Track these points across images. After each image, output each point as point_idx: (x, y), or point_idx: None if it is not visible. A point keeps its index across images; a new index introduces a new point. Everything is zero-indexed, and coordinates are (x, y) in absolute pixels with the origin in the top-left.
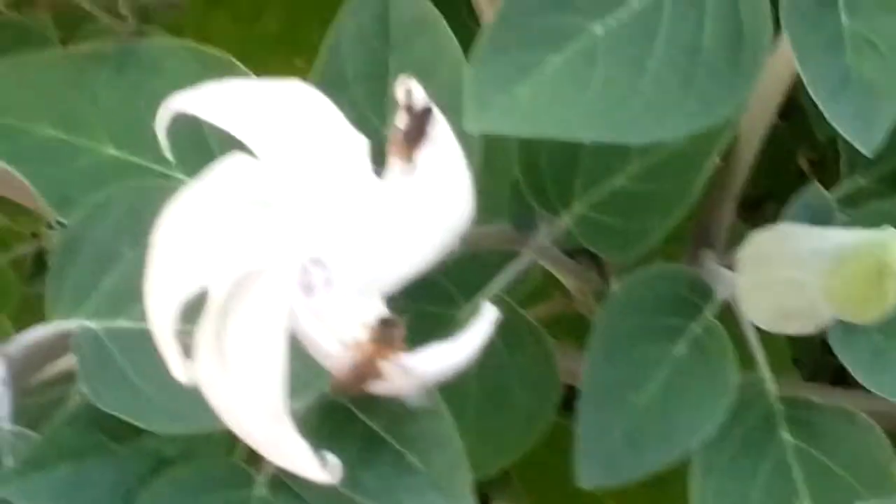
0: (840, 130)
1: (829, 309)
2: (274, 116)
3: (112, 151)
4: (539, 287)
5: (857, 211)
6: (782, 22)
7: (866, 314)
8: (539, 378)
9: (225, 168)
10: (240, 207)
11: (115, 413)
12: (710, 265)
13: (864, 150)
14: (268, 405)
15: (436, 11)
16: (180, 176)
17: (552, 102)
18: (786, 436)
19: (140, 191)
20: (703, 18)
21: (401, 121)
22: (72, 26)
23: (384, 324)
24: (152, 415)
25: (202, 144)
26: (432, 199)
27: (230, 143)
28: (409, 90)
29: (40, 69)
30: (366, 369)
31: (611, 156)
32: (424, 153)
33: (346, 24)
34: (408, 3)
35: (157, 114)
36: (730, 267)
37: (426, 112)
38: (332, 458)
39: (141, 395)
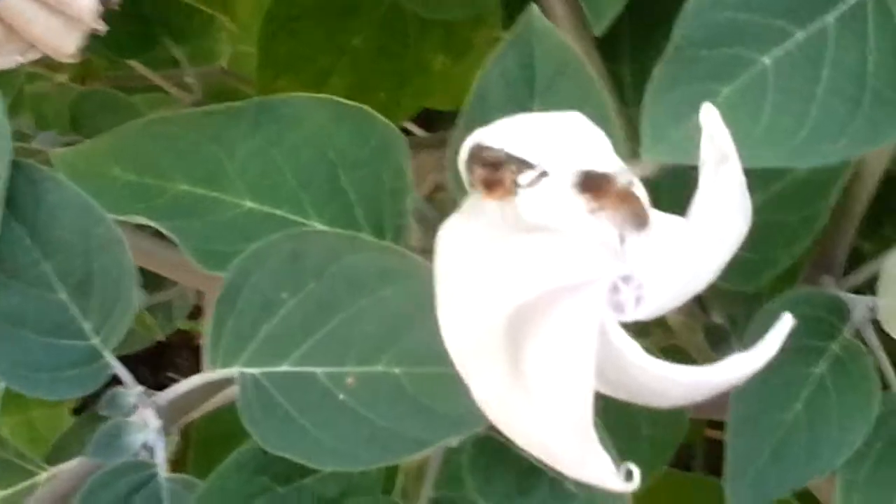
0: None
1: None
2: (562, 142)
3: (250, 204)
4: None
5: None
6: None
7: None
8: (667, 413)
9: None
10: (534, 230)
11: (284, 454)
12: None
13: None
14: (576, 421)
15: (579, 54)
16: (318, 225)
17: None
18: None
19: (297, 238)
20: (866, 47)
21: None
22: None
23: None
24: (320, 454)
25: (339, 193)
26: (723, 222)
27: (364, 187)
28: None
29: (175, 127)
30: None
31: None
32: (715, 184)
33: (492, 71)
34: (553, 48)
35: (292, 165)
36: (850, 291)
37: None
38: (632, 467)
39: (307, 436)
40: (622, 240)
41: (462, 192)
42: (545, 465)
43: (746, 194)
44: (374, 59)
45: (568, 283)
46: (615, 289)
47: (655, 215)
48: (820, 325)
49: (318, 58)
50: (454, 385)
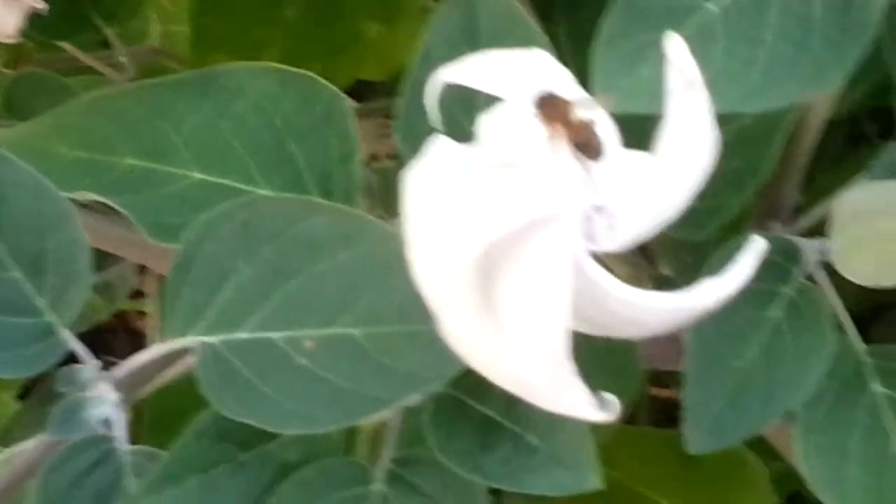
0: None
1: None
2: (529, 76)
3: (199, 175)
4: None
5: None
6: None
7: None
8: (619, 365)
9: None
10: (498, 165)
11: (246, 420)
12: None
13: None
14: (553, 354)
15: (522, 11)
16: (268, 192)
17: None
18: (877, 387)
19: (250, 205)
20: None
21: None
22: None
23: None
24: (281, 419)
25: (288, 160)
26: (692, 147)
27: (312, 153)
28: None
29: (120, 102)
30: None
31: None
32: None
33: (436, 32)
34: (496, 5)
35: (239, 134)
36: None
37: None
38: (609, 397)
39: (268, 401)
40: (586, 169)
41: (412, 152)
42: (507, 421)
43: (713, 121)
44: (308, 29)
45: (539, 216)
46: (588, 219)
47: (621, 149)
48: (772, 270)
49: (251, 31)
50: (414, 343)
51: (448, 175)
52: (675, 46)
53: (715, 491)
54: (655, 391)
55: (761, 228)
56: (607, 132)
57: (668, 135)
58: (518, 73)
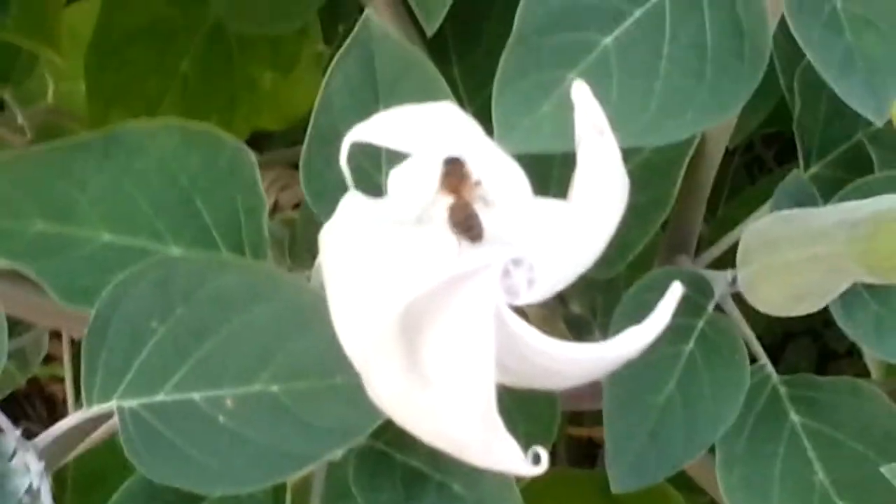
0: (852, 105)
1: (858, 274)
2: (438, 133)
3: (108, 236)
4: None
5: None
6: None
7: None
8: (539, 409)
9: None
10: (414, 221)
11: (170, 483)
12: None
13: (876, 121)
14: (480, 409)
15: (419, 52)
16: (177, 250)
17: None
18: (794, 416)
19: (162, 265)
20: (703, 18)
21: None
22: None
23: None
24: (206, 480)
25: (195, 216)
26: (605, 195)
27: (219, 208)
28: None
29: (23, 166)
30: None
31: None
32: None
33: (334, 79)
34: (391, 49)
35: (145, 193)
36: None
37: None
38: (539, 450)
39: (192, 463)
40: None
41: (319, 202)
42: (431, 471)
43: (622, 167)
44: (203, 81)
45: (459, 273)
46: (507, 273)
47: (534, 199)
48: (684, 304)
49: (146, 85)
50: (334, 397)
51: (365, 232)
52: (580, 92)
53: None
54: (573, 430)
55: (669, 262)
56: (517, 182)
57: (581, 181)
58: (426, 128)
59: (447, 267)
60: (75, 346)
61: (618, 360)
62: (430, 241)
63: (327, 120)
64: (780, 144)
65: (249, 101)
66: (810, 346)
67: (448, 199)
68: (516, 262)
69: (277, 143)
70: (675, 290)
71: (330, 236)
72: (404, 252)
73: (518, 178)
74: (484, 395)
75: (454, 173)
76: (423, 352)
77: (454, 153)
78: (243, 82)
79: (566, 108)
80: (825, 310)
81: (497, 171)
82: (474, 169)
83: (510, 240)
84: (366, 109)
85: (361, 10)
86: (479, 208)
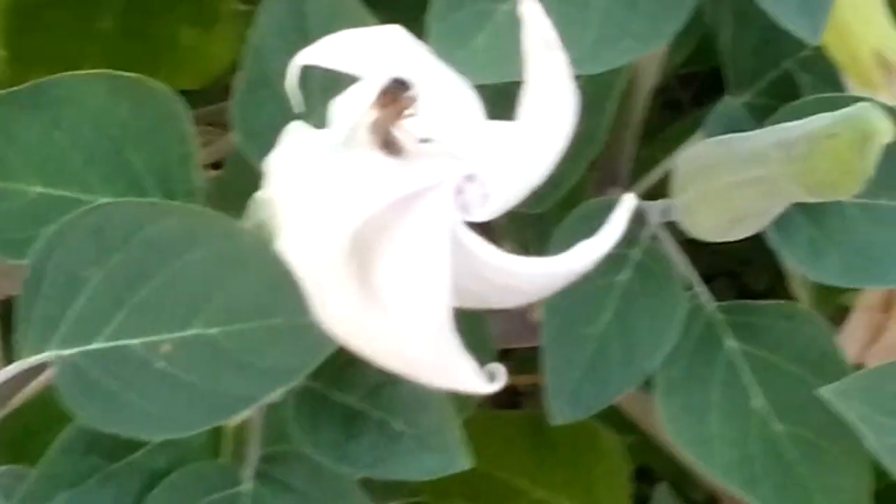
0: (787, 26)
1: (795, 194)
2: (385, 54)
3: (39, 189)
4: None
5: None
6: None
7: (846, 187)
8: (473, 346)
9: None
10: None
11: (111, 430)
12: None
13: (810, 39)
14: (437, 328)
15: None
16: (109, 200)
17: (508, 48)
18: (730, 342)
19: (97, 212)
20: None
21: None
22: None
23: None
24: (146, 426)
25: (126, 166)
26: (555, 109)
27: (150, 157)
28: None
29: None
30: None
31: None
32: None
33: (264, 22)
34: None
35: (75, 144)
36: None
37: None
38: (497, 367)
39: (131, 409)
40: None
41: (252, 145)
42: (370, 408)
43: (572, 81)
44: (124, 40)
45: (412, 190)
46: (460, 190)
47: (485, 120)
48: None
49: (67, 46)
50: (272, 338)
51: (310, 158)
52: (530, 9)
53: (570, 466)
54: None
55: (600, 195)
56: (467, 101)
57: (531, 98)
58: (373, 50)
59: (400, 185)
60: (3, 306)
61: (572, 272)
62: (383, 161)
63: (257, 64)
64: (697, 85)
65: (171, 58)
66: (729, 285)
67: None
68: (469, 178)
69: (193, 101)
70: (628, 202)
71: (277, 165)
72: (356, 174)
73: (467, 97)
74: (440, 314)
75: (390, 93)
76: (377, 273)
77: (396, 74)
78: (165, 40)
79: (500, 39)
80: (741, 249)
81: (445, 91)
82: (419, 88)
83: (462, 157)
84: (296, 52)
85: None
86: (412, 124)
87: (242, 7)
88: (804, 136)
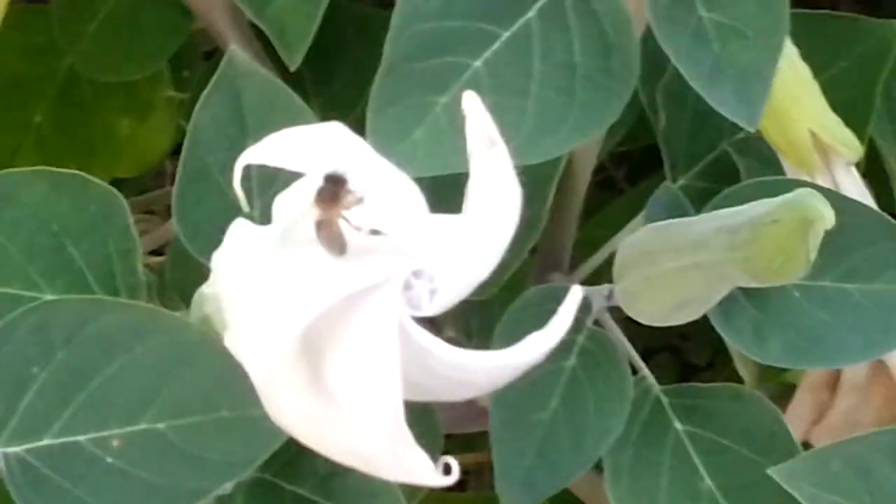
0: (725, 113)
1: (740, 279)
2: (327, 151)
3: None
4: None
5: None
6: (650, 23)
7: (790, 272)
8: (422, 435)
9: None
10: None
11: None
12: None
13: (748, 126)
14: (389, 423)
15: (285, 87)
16: (52, 297)
17: (448, 141)
18: (677, 425)
19: (40, 310)
20: (570, 36)
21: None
22: None
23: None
24: None
25: (68, 262)
26: (500, 203)
27: (92, 253)
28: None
29: None
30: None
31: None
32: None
33: (202, 116)
34: (258, 84)
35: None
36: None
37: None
38: (451, 461)
39: None
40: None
41: (193, 239)
42: (320, 498)
43: (515, 176)
44: (59, 132)
45: (360, 287)
46: (408, 286)
47: (430, 215)
48: None
49: (0, 139)
50: (221, 431)
51: (257, 255)
52: (471, 105)
53: None
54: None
55: (542, 282)
56: (410, 196)
57: (476, 194)
58: (315, 147)
59: (347, 282)
60: None
61: (523, 365)
62: (331, 259)
63: (196, 157)
64: (630, 163)
65: (107, 149)
66: (671, 361)
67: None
68: (417, 275)
69: (129, 189)
70: (576, 294)
71: (223, 262)
72: (304, 271)
73: (410, 192)
74: (391, 409)
75: (328, 189)
76: (328, 370)
77: (334, 169)
78: (100, 131)
79: (440, 132)
80: (681, 325)
81: (388, 185)
82: (360, 185)
83: (409, 252)
84: (235, 145)
85: (205, 56)
86: (358, 222)
87: (176, 95)
88: (746, 222)
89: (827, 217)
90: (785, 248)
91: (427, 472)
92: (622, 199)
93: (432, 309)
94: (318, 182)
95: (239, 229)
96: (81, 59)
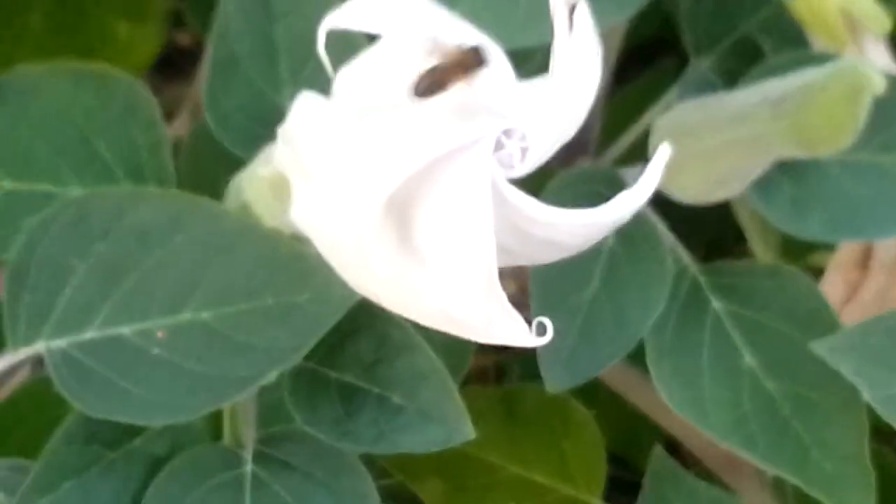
0: None
1: (782, 152)
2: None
3: (10, 184)
4: None
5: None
6: None
7: (837, 141)
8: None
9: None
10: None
11: (110, 417)
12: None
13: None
14: (483, 281)
15: None
16: (80, 191)
17: (489, 15)
18: (716, 304)
19: (78, 202)
20: None
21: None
22: None
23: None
24: (145, 412)
25: (95, 156)
26: (585, 62)
27: (119, 147)
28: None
29: None
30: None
31: None
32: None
33: (227, 5)
34: None
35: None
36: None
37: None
38: (545, 321)
39: (129, 396)
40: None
41: (223, 128)
42: (368, 384)
43: (596, 36)
44: (57, 36)
45: (453, 146)
46: (499, 145)
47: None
48: (601, 201)
49: None
50: (266, 318)
51: (339, 124)
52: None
53: (544, 441)
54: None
55: (570, 166)
56: (498, 59)
57: (560, 52)
58: (398, 11)
59: (440, 141)
60: None
61: (612, 223)
62: (421, 118)
63: (224, 46)
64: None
65: (106, 52)
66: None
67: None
68: (508, 134)
69: None
70: (664, 150)
71: (297, 133)
72: (393, 133)
73: (498, 56)
74: (485, 268)
75: (471, 57)
76: (419, 232)
77: (473, 42)
78: (98, 34)
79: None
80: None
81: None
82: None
83: (499, 113)
84: (261, 33)
85: None
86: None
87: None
88: (793, 91)
89: (877, 84)
90: (833, 115)
91: (521, 332)
92: (639, 83)
93: (524, 168)
94: (463, 50)
95: (309, 101)
96: None
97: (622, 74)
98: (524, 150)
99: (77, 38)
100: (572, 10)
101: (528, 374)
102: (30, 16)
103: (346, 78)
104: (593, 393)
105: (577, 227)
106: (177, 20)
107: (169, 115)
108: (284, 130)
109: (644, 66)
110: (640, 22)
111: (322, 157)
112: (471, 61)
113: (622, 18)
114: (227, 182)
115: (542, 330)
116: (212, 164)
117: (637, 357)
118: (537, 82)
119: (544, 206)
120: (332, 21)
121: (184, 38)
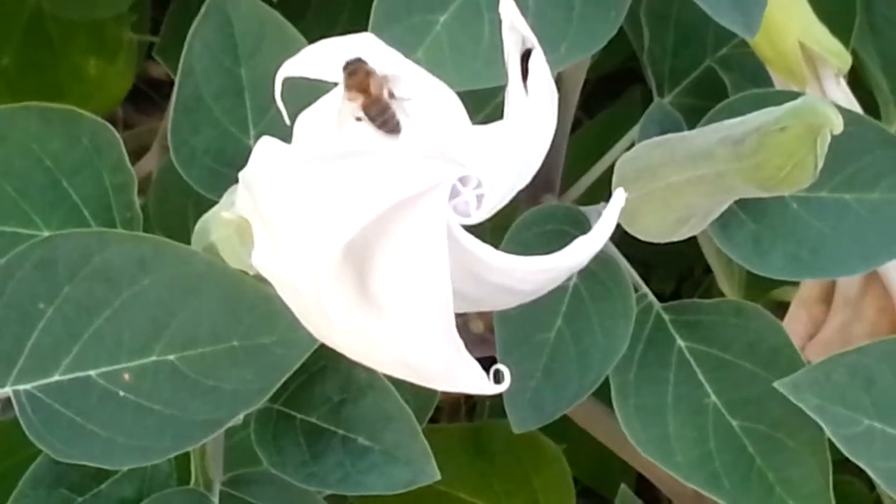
0: (722, 22)
1: (743, 191)
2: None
3: None
4: None
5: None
6: None
7: (797, 180)
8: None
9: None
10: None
11: (79, 461)
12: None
13: (747, 35)
14: (440, 331)
15: (277, 14)
16: (48, 233)
17: (450, 57)
18: (681, 341)
19: (44, 245)
20: None
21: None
22: None
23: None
24: (113, 455)
25: (63, 197)
26: (540, 106)
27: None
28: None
29: None
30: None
31: None
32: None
33: (193, 45)
34: (248, 10)
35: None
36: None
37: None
38: (503, 369)
39: (96, 439)
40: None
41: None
42: (333, 426)
43: (551, 79)
44: (27, 74)
45: (408, 194)
46: (455, 192)
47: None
48: (566, 239)
49: None
50: (232, 360)
51: (295, 170)
52: (507, 10)
53: (512, 476)
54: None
55: (535, 204)
56: (453, 107)
57: (514, 100)
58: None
59: (395, 189)
60: None
61: (568, 269)
62: (377, 167)
63: (190, 86)
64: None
65: (76, 90)
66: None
67: (358, 101)
68: (464, 181)
69: None
70: (619, 196)
71: (255, 179)
72: (343, 183)
73: (451, 100)
74: (442, 316)
75: (357, 74)
76: (375, 280)
77: (352, 55)
78: (68, 72)
79: (440, 51)
80: (646, 255)
81: (430, 93)
82: (405, 86)
83: (454, 159)
84: (227, 73)
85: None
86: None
87: (132, 36)
88: (753, 130)
89: (835, 123)
90: (793, 155)
91: (478, 379)
92: (604, 117)
93: (480, 215)
94: (343, 73)
95: (267, 147)
96: None
97: (590, 104)
98: (480, 198)
99: (47, 75)
100: (527, 54)
101: (500, 408)
102: (1, 55)
103: (304, 122)
104: (563, 427)
105: (533, 274)
106: (150, 52)
107: (142, 148)
108: (244, 175)
109: (612, 96)
110: (608, 53)
111: (280, 204)
112: (359, 73)
113: (587, 54)
114: (196, 217)
115: (499, 377)
116: (181, 199)
117: (604, 392)
118: (494, 126)
119: (501, 254)
120: (288, 68)
121: (157, 70)
